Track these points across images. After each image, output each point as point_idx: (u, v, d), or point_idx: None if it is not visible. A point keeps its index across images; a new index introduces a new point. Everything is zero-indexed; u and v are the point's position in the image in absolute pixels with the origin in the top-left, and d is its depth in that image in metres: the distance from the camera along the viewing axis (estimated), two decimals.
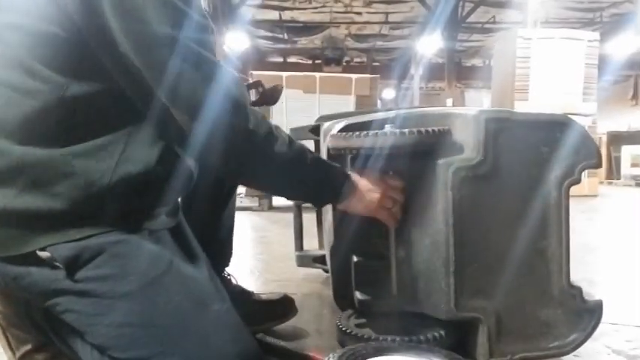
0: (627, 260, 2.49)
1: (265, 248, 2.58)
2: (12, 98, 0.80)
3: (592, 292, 1.02)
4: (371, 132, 0.99)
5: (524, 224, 0.99)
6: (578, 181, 0.99)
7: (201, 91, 0.80)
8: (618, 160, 13.30)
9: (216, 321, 0.84)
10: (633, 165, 12.68)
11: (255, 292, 1.32)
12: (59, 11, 0.78)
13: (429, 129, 0.98)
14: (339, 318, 1.10)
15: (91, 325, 0.79)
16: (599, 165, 1.01)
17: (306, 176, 0.94)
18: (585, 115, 6.74)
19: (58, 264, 0.79)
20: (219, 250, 1.25)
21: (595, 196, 6.68)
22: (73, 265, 0.79)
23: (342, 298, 1.15)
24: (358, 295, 1.08)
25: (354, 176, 0.99)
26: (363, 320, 1.09)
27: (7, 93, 0.80)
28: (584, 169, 0.99)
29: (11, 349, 0.93)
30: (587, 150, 1.00)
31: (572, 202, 1.00)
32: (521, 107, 6.57)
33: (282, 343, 1.09)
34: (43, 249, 0.79)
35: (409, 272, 1.03)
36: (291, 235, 1.90)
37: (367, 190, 0.99)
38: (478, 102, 13.76)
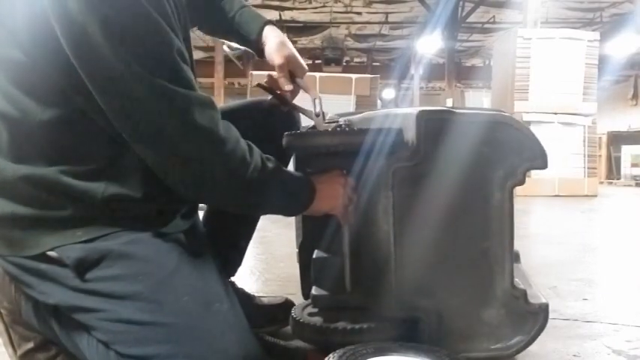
0: (627, 260, 2.49)
1: (265, 248, 2.58)
2: None
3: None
4: (317, 131, 1.00)
5: (466, 225, 0.99)
6: (521, 183, 0.98)
7: (164, 125, 0.78)
8: (618, 160, 13.31)
9: (223, 322, 0.84)
10: (633, 165, 12.69)
11: (256, 294, 1.32)
12: (9, 35, 0.78)
13: (370, 128, 0.98)
14: (295, 308, 1.11)
15: (99, 320, 0.80)
16: (543, 166, 0.98)
17: (275, 198, 0.93)
18: (585, 115, 6.76)
19: (67, 264, 0.80)
20: (231, 257, 1.25)
21: (595, 196, 6.69)
22: (81, 266, 0.80)
23: (308, 292, 1.16)
24: (314, 290, 1.08)
25: (316, 180, 0.98)
26: (316, 310, 1.09)
27: None
28: (527, 170, 0.98)
29: (13, 346, 0.93)
30: (531, 151, 0.98)
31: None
32: (521, 107, 6.59)
33: (282, 343, 1.09)
34: (52, 249, 0.81)
35: (360, 269, 1.04)
36: (291, 235, 1.90)
37: (328, 191, 0.99)
38: (478, 102, 13.76)
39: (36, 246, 0.81)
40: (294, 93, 1.13)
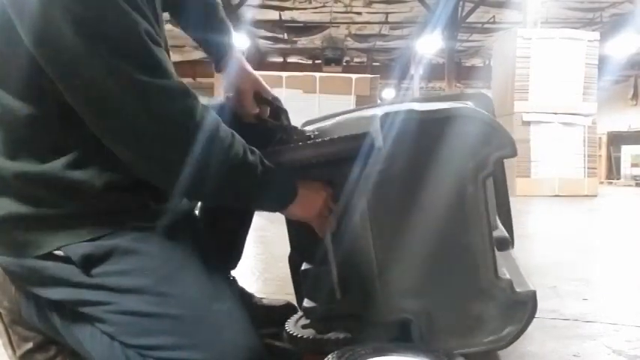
0: (627, 260, 2.49)
1: (265, 248, 2.58)
2: None
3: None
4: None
5: (445, 221, 0.98)
6: (492, 174, 0.97)
7: (131, 119, 0.75)
8: (618, 160, 13.34)
9: (228, 315, 0.85)
10: (633, 165, 12.71)
11: (255, 294, 1.32)
12: None
13: (337, 137, 0.99)
14: (288, 321, 1.13)
15: (105, 312, 0.81)
16: (513, 154, 0.96)
17: (253, 191, 0.91)
18: (585, 115, 6.76)
19: (72, 261, 0.81)
20: (231, 252, 1.25)
21: (595, 196, 6.69)
22: (87, 263, 0.81)
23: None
24: (305, 302, 1.08)
25: (301, 184, 0.98)
26: (308, 321, 1.10)
27: None
28: (498, 160, 0.97)
29: (12, 347, 0.93)
30: (499, 140, 0.96)
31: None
32: (521, 107, 6.59)
33: (279, 344, 1.10)
34: (57, 249, 0.81)
35: (347, 277, 1.04)
36: None
37: (308, 200, 0.98)
38: None
39: (40, 247, 0.81)
40: (262, 113, 1.17)
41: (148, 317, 0.80)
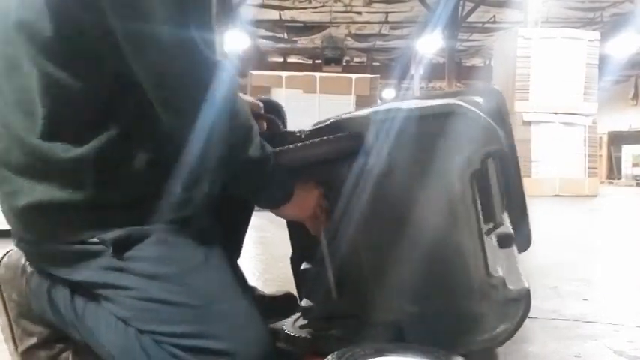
0: (627, 260, 2.49)
1: (265, 249, 2.58)
2: (35, 99, 0.81)
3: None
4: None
5: (434, 220, 0.98)
6: (479, 171, 0.96)
7: (190, 93, 0.79)
8: (618, 160, 13.34)
9: (248, 312, 0.88)
10: (634, 165, 12.70)
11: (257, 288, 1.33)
12: (40, 12, 0.78)
13: (328, 138, 0.99)
14: (286, 321, 1.13)
15: (126, 297, 0.83)
16: (500, 149, 0.96)
17: (258, 183, 0.93)
18: (585, 115, 6.76)
19: (105, 243, 0.82)
20: (231, 248, 1.26)
21: (595, 196, 6.69)
22: (121, 245, 0.82)
23: None
24: (303, 302, 1.09)
25: (296, 185, 0.99)
26: (306, 321, 1.10)
27: (31, 94, 0.81)
28: (486, 157, 0.95)
29: (14, 341, 0.93)
30: (487, 137, 0.94)
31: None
32: (521, 107, 6.59)
33: (278, 345, 1.10)
34: (91, 237, 0.83)
35: (342, 278, 1.04)
36: None
37: (301, 201, 1.00)
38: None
39: (74, 234, 0.83)
40: (259, 128, 1.17)
41: (170, 305, 0.82)
